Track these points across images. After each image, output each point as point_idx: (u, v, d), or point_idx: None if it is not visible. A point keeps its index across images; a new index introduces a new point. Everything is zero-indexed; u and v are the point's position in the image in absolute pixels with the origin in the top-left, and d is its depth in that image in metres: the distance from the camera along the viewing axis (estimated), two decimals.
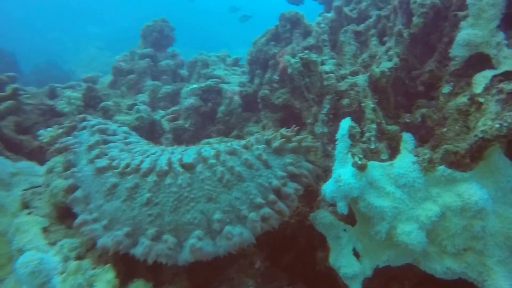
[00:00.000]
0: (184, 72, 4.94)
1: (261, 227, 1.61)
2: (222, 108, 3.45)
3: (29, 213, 1.88)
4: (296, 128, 1.98)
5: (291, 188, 1.73)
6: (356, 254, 2.02)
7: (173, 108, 3.85)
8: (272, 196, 1.67)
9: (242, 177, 1.66)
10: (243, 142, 1.84)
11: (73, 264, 1.58)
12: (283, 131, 1.90)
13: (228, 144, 1.86)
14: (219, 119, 3.44)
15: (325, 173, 2.38)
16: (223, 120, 3.43)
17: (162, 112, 3.89)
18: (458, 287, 1.93)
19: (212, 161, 1.69)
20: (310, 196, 2.64)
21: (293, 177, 1.78)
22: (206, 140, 3.01)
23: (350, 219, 2.06)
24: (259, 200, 1.64)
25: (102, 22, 21.71)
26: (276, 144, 1.81)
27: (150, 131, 3.20)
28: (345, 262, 1.98)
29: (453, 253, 1.79)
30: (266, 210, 1.63)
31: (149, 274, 1.74)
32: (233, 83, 3.72)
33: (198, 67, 4.31)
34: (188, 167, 1.67)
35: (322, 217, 2.09)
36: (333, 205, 2.14)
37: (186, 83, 4.49)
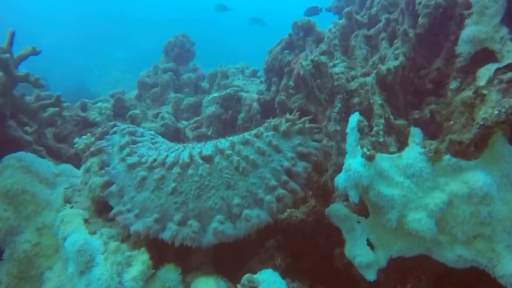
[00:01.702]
0: (205, 84, 5.19)
1: (277, 208, 1.75)
2: (242, 115, 3.63)
3: (71, 207, 2.11)
4: (298, 112, 2.12)
5: (300, 167, 1.88)
6: (370, 245, 2.11)
7: (196, 118, 4.06)
8: (284, 177, 1.81)
9: (257, 164, 1.81)
10: (253, 131, 2.00)
11: (113, 244, 1.78)
12: (287, 116, 2.05)
13: (241, 135, 2.03)
14: (240, 126, 3.61)
15: (341, 170, 2.49)
16: (243, 127, 3.60)
17: (185, 123, 4.11)
18: (472, 279, 1.97)
19: (228, 152, 1.85)
20: (327, 196, 2.74)
21: (302, 156, 1.92)
22: None
23: (363, 211, 2.15)
24: (273, 182, 1.78)
25: (124, 47, 22.65)
26: (283, 128, 1.96)
27: (174, 138, 3.40)
28: (360, 252, 2.07)
29: (463, 240, 1.84)
30: (280, 191, 1.78)
31: (178, 261, 1.90)
32: (252, 92, 3.90)
33: (218, 78, 4.53)
34: (207, 159, 1.84)
35: (336, 210, 2.19)
36: (347, 199, 2.25)
37: (207, 95, 4.73)
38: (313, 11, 5.43)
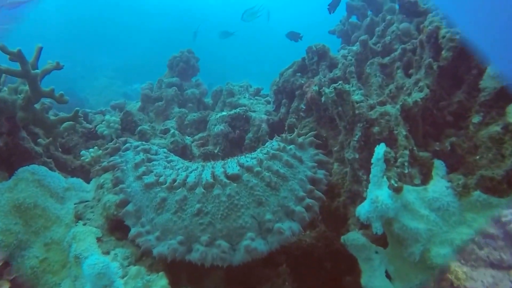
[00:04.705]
0: (208, 100, 5.16)
1: (307, 217, 1.82)
2: (250, 135, 3.58)
3: (84, 224, 2.01)
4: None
5: (321, 174, 2.04)
6: (388, 276, 2.06)
7: (201, 135, 4.00)
8: (309, 186, 1.91)
9: (286, 177, 1.87)
10: (275, 146, 2.08)
11: (134, 269, 1.69)
12: (297, 130, 2.30)
13: (264, 151, 2.09)
14: (247, 145, 3.56)
15: (355, 197, 2.46)
16: (250, 146, 3.54)
17: (189, 138, 4.04)
18: None
19: (257, 168, 1.86)
20: (337, 221, 2.70)
21: (321, 163, 2.11)
22: None
23: (381, 241, 2.11)
24: (301, 193, 1.85)
25: (111, 53, 22.52)
26: (300, 141, 2.16)
27: (182, 155, 3.33)
28: (378, 284, 2.01)
29: None
30: (308, 201, 1.84)
31: (192, 285, 1.82)
32: (260, 112, 3.87)
33: (224, 96, 4.49)
34: (234, 178, 1.82)
35: (354, 239, 2.14)
36: (364, 227, 2.21)
37: (211, 111, 4.68)
38: (293, 36, 5.41)
